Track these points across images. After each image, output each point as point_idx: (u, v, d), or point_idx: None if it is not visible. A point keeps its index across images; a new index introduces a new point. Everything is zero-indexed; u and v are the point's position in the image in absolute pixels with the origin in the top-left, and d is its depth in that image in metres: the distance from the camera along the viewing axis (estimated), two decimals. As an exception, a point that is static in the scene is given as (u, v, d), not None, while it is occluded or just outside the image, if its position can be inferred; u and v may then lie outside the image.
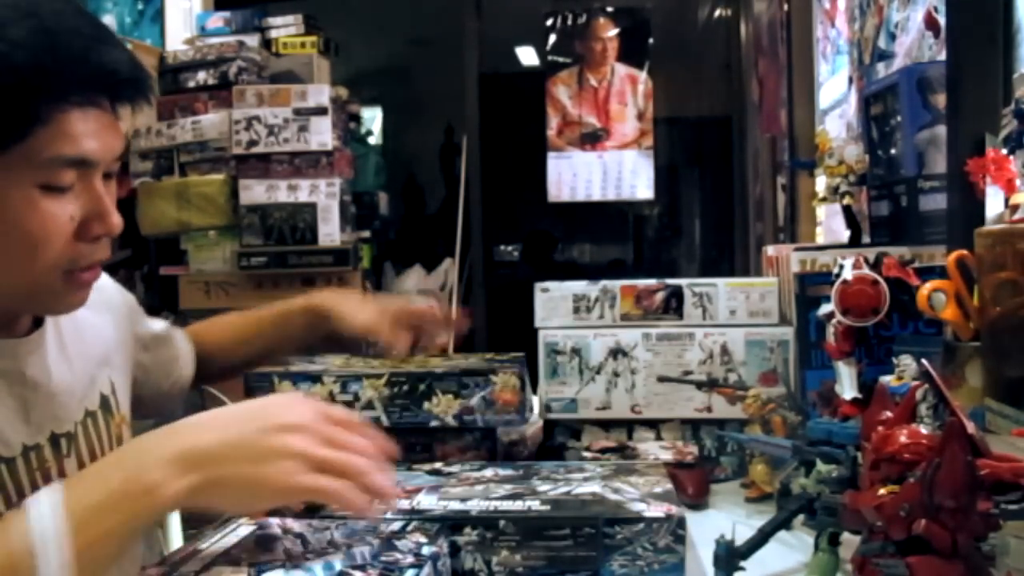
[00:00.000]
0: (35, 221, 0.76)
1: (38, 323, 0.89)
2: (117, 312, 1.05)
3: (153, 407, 1.14)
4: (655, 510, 0.85)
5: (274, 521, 0.85)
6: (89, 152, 0.77)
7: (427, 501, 0.90)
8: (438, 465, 1.06)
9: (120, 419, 0.98)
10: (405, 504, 0.89)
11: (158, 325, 1.16)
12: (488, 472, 1.01)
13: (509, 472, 1.00)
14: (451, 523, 0.85)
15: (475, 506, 0.88)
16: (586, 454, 1.33)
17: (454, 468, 1.04)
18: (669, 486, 0.94)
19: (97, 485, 0.70)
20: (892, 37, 2.04)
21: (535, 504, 0.87)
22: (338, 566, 0.74)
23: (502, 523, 0.83)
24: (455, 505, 0.88)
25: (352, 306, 1.13)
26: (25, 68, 0.72)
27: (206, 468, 0.71)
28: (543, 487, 0.93)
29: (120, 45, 0.81)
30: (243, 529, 0.85)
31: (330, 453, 0.74)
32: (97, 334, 0.99)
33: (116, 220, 0.82)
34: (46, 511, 0.67)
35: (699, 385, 1.42)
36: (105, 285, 1.05)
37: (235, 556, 0.78)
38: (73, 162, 0.77)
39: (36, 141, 0.74)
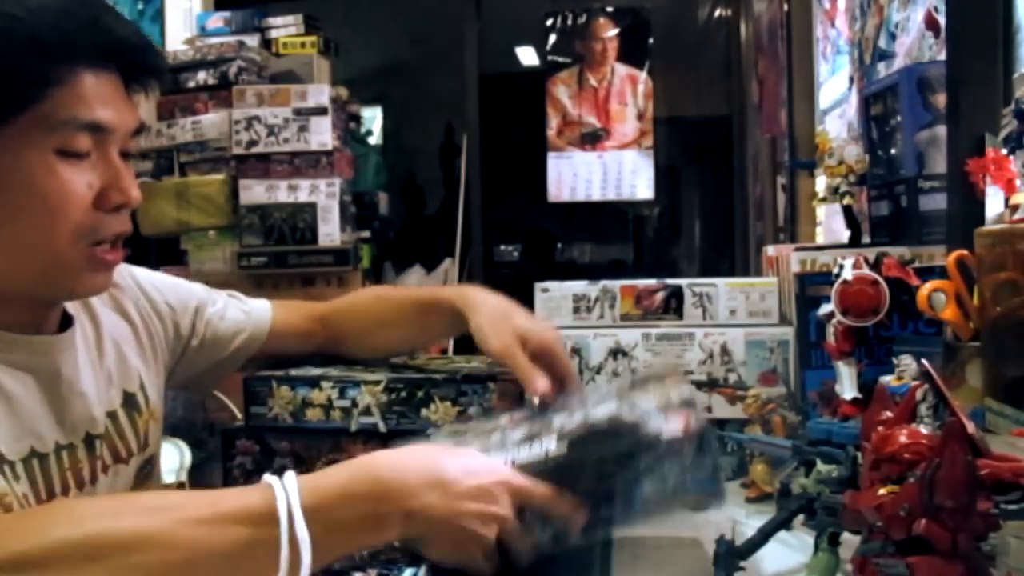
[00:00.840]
0: (53, 186, 0.77)
1: (66, 323, 0.89)
2: (151, 304, 1.04)
3: (210, 378, 1.15)
4: (674, 426, 0.80)
5: None
6: (103, 118, 0.79)
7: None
8: (457, 426, 1.01)
9: (148, 415, 0.98)
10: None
11: (219, 303, 1.15)
12: (503, 419, 0.93)
13: (524, 412, 0.94)
14: None
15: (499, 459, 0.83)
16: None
17: (471, 425, 0.97)
18: (687, 391, 0.87)
19: (345, 508, 0.72)
20: (892, 37, 2.04)
21: (552, 447, 0.82)
22: (336, 565, 0.76)
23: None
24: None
25: (491, 322, 1.05)
26: (41, 30, 0.75)
27: (431, 529, 0.75)
28: (559, 420, 0.87)
29: (124, 17, 0.84)
30: None
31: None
32: (121, 331, 0.98)
33: (135, 191, 0.83)
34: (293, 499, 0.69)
35: (699, 385, 1.42)
36: (140, 277, 1.05)
37: None
38: (88, 126, 0.78)
39: (52, 103, 0.76)
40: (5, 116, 0.75)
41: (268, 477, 0.71)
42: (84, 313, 0.95)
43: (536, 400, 0.95)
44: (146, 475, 0.98)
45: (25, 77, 0.75)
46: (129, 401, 0.95)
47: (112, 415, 0.93)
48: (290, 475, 0.70)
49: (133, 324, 1.01)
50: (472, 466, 0.76)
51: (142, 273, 1.07)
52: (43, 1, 0.76)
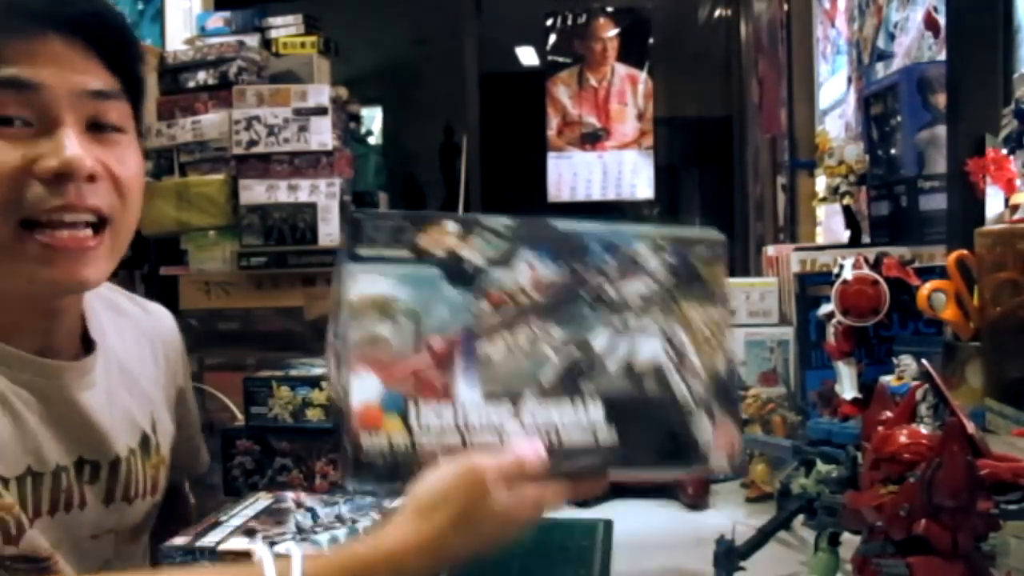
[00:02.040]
0: None
1: (88, 350, 0.88)
2: (167, 348, 1.02)
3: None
4: (720, 454, 0.73)
5: (289, 495, 0.91)
6: (31, 75, 0.72)
7: (476, 410, 0.70)
8: (457, 247, 0.75)
9: (158, 460, 0.95)
10: (447, 418, 0.70)
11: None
12: (524, 276, 0.75)
13: (551, 276, 0.76)
14: None
15: (526, 419, 0.71)
16: None
17: (476, 256, 0.75)
18: (728, 340, 0.77)
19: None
20: (891, 37, 2.04)
21: (599, 418, 0.72)
22: (342, 539, 0.80)
23: (566, 463, 0.70)
24: (514, 430, 0.70)
25: None
26: None
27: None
28: (598, 340, 0.74)
29: None
30: (261, 502, 0.89)
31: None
32: (146, 371, 0.97)
33: (69, 152, 0.73)
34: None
35: (699, 385, 1.41)
36: (161, 316, 1.04)
37: (251, 527, 0.83)
38: (8, 83, 0.71)
39: None
40: None
41: (266, 562, 0.65)
42: (120, 344, 0.93)
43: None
44: (152, 519, 0.96)
45: None
46: (144, 442, 0.93)
47: (133, 452, 0.91)
48: (296, 556, 0.65)
49: (159, 368, 1.00)
50: (488, 539, 0.68)
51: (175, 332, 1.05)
52: None
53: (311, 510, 0.87)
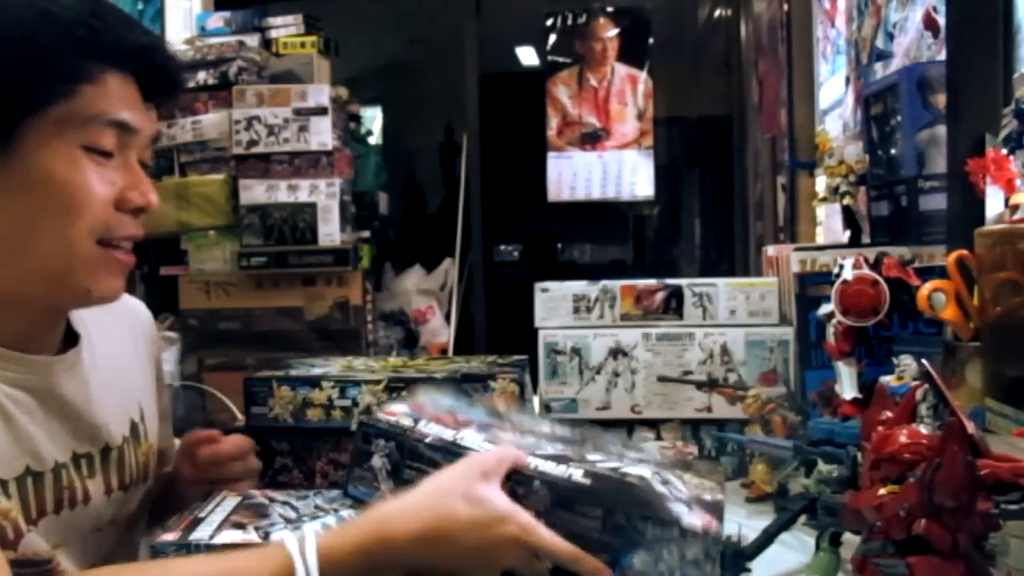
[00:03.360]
0: (79, 180, 0.79)
1: (70, 344, 0.89)
2: (146, 337, 1.05)
3: None
4: (695, 520, 0.77)
5: (255, 492, 0.91)
6: (128, 118, 0.81)
7: (471, 438, 0.85)
8: (499, 406, 1.00)
9: (147, 447, 0.97)
10: (448, 435, 0.86)
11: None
12: (545, 427, 0.93)
13: (567, 433, 0.93)
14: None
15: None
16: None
17: (514, 416, 0.96)
18: (720, 496, 0.84)
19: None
20: (890, 37, 2.04)
21: (577, 474, 0.80)
22: (333, 523, 0.82)
23: (536, 484, 0.79)
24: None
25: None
26: (75, 26, 0.77)
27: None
28: (593, 456, 0.85)
29: (149, 30, 0.88)
30: (229, 501, 0.89)
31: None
32: (128, 360, 0.99)
33: (154, 195, 0.84)
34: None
35: (699, 385, 1.42)
36: (135, 305, 1.06)
37: (238, 521, 0.83)
38: (115, 123, 0.80)
39: (82, 99, 0.78)
40: (36, 108, 0.76)
41: (287, 540, 0.73)
42: (99, 333, 0.95)
43: (582, 430, 0.94)
44: (144, 507, 0.98)
45: (58, 70, 0.76)
46: (134, 430, 0.95)
47: (126, 440, 0.93)
48: (310, 539, 0.72)
49: (140, 357, 1.02)
50: (481, 517, 0.74)
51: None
52: (76, 0, 0.78)
53: (287, 503, 0.88)
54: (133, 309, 1.05)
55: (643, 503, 0.77)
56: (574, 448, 0.87)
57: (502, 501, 0.75)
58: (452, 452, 0.83)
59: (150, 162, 0.88)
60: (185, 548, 0.79)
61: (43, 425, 0.82)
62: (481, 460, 0.78)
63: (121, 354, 0.97)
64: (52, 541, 0.81)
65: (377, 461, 0.89)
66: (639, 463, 0.85)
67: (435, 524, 0.74)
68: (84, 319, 0.94)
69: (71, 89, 0.77)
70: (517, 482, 0.79)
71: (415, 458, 0.85)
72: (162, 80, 0.86)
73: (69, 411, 0.85)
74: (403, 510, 0.75)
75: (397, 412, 0.91)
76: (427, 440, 0.85)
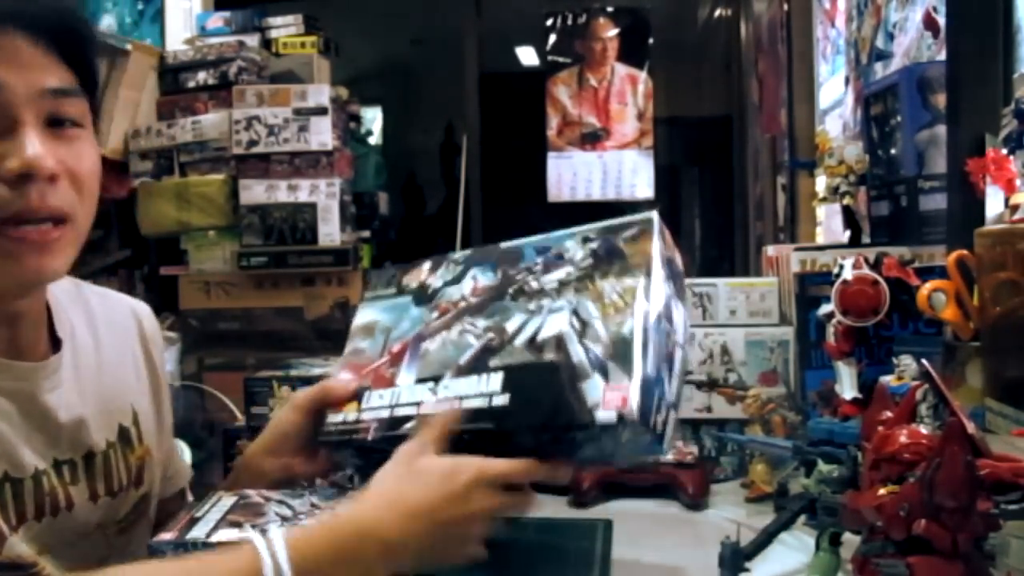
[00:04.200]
0: None
1: (56, 350, 0.87)
2: (143, 338, 1.02)
3: None
4: (608, 413, 0.75)
5: (252, 492, 0.90)
6: None
7: (406, 393, 0.88)
8: (417, 279, 0.99)
9: (143, 451, 0.95)
10: (385, 404, 0.88)
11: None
12: (467, 287, 0.92)
13: (489, 282, 0.91)
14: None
15: (440, 395, 0.85)
16: None
17: (437, 287, 0.96)
18: (641, 303, 0.81)
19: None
20: (890, 37, 2.04)
21: (496, 387, 0.81)
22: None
23: (467, 437, 0.81)
24: (429, 403, 0.85)
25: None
26: None
27: (424, 557, 0.77)
28: (512, 321, 0.85)
29: None
30: (226, 500, 0.88)
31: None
32: (119, 364, 0.96)
33: (31, 150, 0.73)
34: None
35: (699, 385, 1.42)
36: (131, 305, 1.03)
37: (235, 520, 0.83)
38: None
39: None
40: None
41: (254, 538, 0.72)
42: (88, 336, 0.93)
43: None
44: (141, 512, 0.95)
45: None
46: (123, 435, 0.93)
47: (112, 446, 0.91)
48: (278, 537, 0.72)
49: (137, 359, 0.99)
50: (434, 482, 0.77)
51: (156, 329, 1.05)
52: None
53: (283, 502, 0.88)
54: (129, 309, 1.02)
55: (561, 412, 0.78)
56: (495, 316, 0.87)
57: (444, 462, 0.78)
58: (396, 438, 0.84)
59: (79, 118, 0.78)
60: (182, 547, 0.79)
61: (22, 431, 0.80)
62: (407, 449, 0.80)
63: (111, 358, 0.94)
64: (35, 547, 0.79)
65: (348, 470, 0.95)
66: (555, 312, 0.84)
67: (399, 501, 0.75)
68: (72, 322, 0.91)
69: None
70: (452, 443, 0.81)
71: (372, 455, 0.87)
72: (59, 33, 0.77)
73: (49, 418, 0.83)
74: (363, 499, 0.77)
75: (344, 404, 0.92)
76: (370, 436, 0.88)
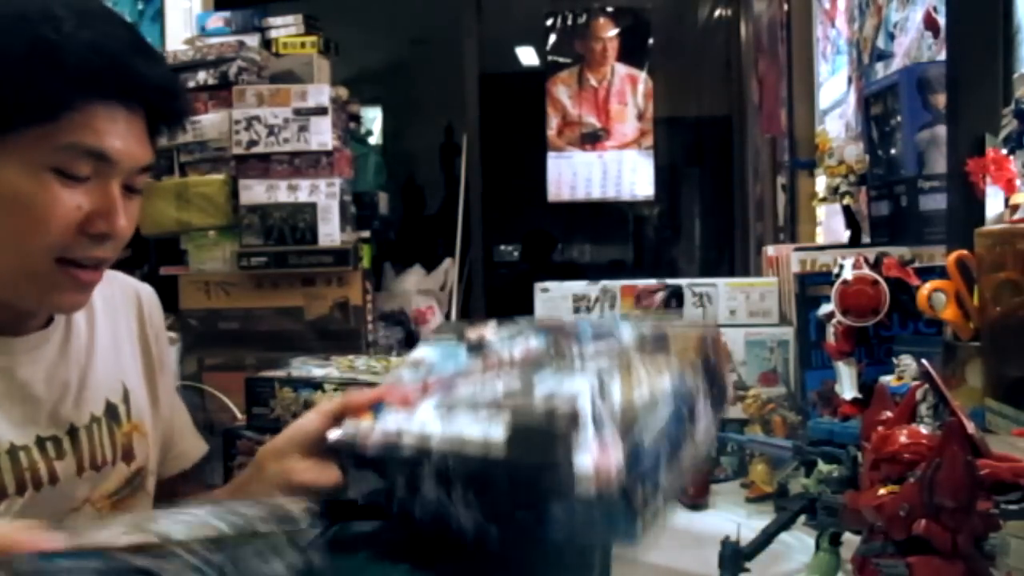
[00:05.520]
0: (43, 201, 0.78)
1: (45, 325, 0.90)
2: (140, 317, 1.04)
3: None
4: (585, 487, 0.70)
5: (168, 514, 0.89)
6: (109, 149, 0.80)
7: (421, 414, 0.83)
8: (477, 333, 0.98)
9: (130, 428, 0.97)
10: (393, 425, 0.83)
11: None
12: (518, 352, 0.91)
13: (539, 347, 0.90)
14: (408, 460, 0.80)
15: (447, 430, 0.79)
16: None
17: (490, 340, 0.95)
18: (667, 384, 0.79)
19: None
20: (891, 37, 2.04)
21: (497, 432, 0.75)
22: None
23: (451, 462, 0.77)
24: (430, 427, 0.80)
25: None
26: (68, 58, 0.76)
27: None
28: (538, 378, 0.83)
29: (160, 61, 0.86)
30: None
31: None
32: (113, 341, 0.98)
33: (123, 223, 0.83)
34: None
35: (699, 385, 1.42)
36: (132, 284, 1.06)
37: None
38: (91, 153, 0.79)
39: (59, 126, 0.77)
40: (13, 127, 0.76)
41: None
42: (83, 314, 0.95)
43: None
44: (137, 487, 0.97)
45: (41, 98, 0.76)
46: (110, 411, 0.95)
47: (97, 420, 0.92)
48: None
49: (132, 338, 1.02)
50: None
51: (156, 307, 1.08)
52: (78, 30, 0.77)
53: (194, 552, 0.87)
54: (132, 289, 1.05)
55: (545, 459, 0.72)
56: (532, 365, 0.85)
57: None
58: (394, 457, 0.81)
59: (140, 186, 0.87)
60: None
61: (4, 408, 0.83)
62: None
63: (104, 335, 0.97)
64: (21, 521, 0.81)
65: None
66: (585, 372, 0.82)
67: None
68: None
69: (50, 116, 0.77)
70: (412, 462, 0.78)
71: (367, 467, 0.85)
72: (168, 115, 0.86)
73: (28, 393, 0.86)
74: None
75: (362, 413, 0.88)
76: (369, 447, 0.84)
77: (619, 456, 0.71)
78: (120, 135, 0.81)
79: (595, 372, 0.82)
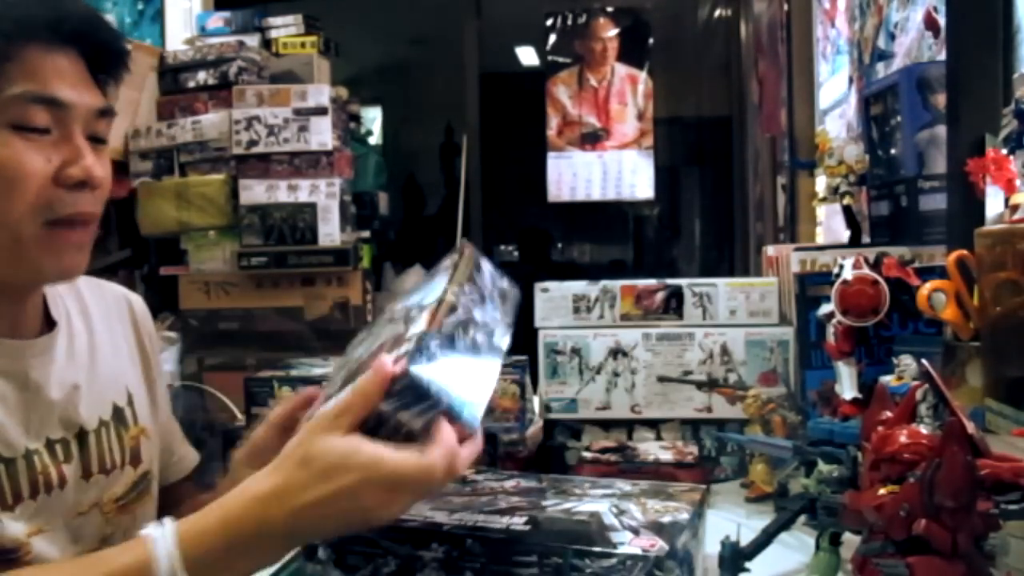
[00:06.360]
0: (9, 160, 0.77)
1: (49, 331, 0.90)
2: (135, 325, 1.05)
3: None
4: (637, 544, 0.74)
5: None
6: (57, 93, 0.79)
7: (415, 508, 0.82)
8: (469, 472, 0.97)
9: (137, 431, 0.97)
10: None
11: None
12: (510, 484, 0.94)
13: (532, 484, 0.93)
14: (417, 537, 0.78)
15: (454, 519, 0.80)
16: (586, 454, 1.33)
17: (479, 476, 0.97)
18: (685, 515, 0.83)
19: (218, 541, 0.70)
20: (892, 37, 2.04)
21: (519, 523, 0.79)
22: None
23: (469, 542, 0.76)
24: (439, 516, 0.81)
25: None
26: None
27: (324, 509, 0.71)
28: (550, 502, 0.86)
29: (87, 5, 0.85)
30: None
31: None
32: (114, 347, 0.99)
33: (98, 169, 0.82)
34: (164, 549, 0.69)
35: (699, 385, 1.42)
36: (125, 295, 1.06)
37: None
38: (41, 99, 0.78)
39: (3, 78, 0.77)
40: None
41: (150, 530, 0.70)
42: (81, 321, 0.95)
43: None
44: (143, 491, 0.97)
45: None
46: (117, 415, 0.95)
47: (105, 424, 0.93)
48: (170, 529, 0.69)
49: (130, 345, 1.02)
50: (321, 476, 0.70)
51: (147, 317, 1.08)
52: None
53: None
54: (121, 296, 1.05)
55: (581, 538, 0.75)
56: (532, 497, 0.87)
57: (335, 452, 0.70)
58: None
59: (104, 134, 0.85)
60: None
61: (14, 410, 0.83)
62: (316, 424, 0.74)
63: (103, 342, 0.97)
64: (33, 525, 0.82)
65: None
66: (600, 499, 0.87)
67: (286, 495, 0.70)
68: (67, 307, 0.95)
69: None
70: (452, 543, 0.77)
71: None
72: (102, 51, 0.85)
73: (41, 396, 0.86)
74: (258, 486, 0.72)
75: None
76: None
77: (655, 539, 0.75)
78: (65, 78, 0.80)
79: (608, 502, 0.86)
